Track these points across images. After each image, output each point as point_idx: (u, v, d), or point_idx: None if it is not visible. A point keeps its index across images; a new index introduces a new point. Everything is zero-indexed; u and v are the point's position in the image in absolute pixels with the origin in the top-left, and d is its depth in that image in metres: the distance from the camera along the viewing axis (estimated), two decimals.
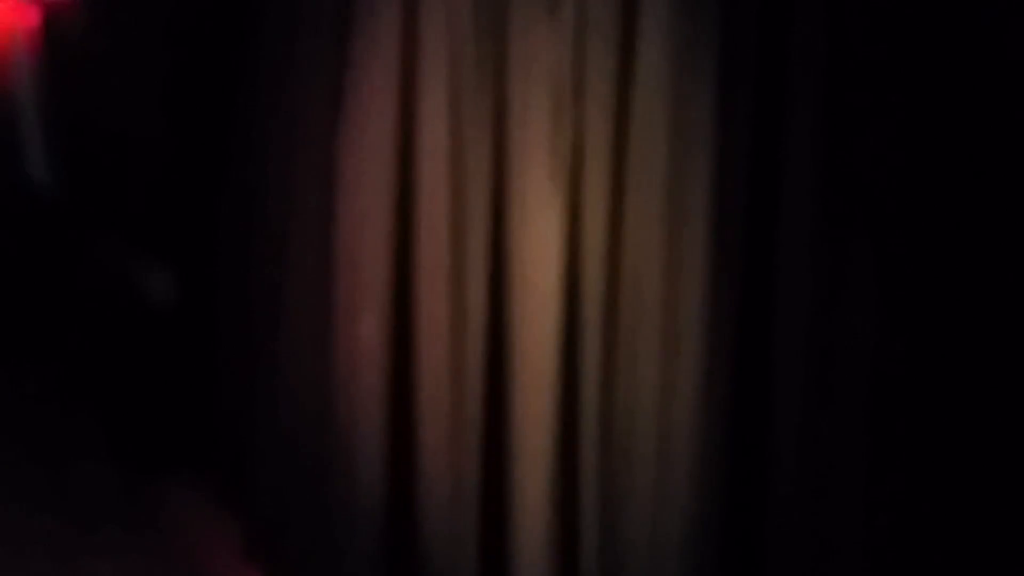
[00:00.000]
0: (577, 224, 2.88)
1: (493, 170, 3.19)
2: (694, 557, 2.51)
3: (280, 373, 4.39)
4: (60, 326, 6.84)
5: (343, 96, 3.96)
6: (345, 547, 3.94)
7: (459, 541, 3.48)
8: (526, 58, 3.06)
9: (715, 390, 2.44)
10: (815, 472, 2.25)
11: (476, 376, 3.34)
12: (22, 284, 7.17)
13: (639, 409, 2.69)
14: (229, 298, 4.99)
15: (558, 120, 2.92)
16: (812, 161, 2.23)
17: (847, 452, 2.20)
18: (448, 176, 3.44)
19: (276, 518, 4.35)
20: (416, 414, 3.64)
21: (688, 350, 2.51)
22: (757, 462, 2.39)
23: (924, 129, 2.08)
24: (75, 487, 5.26)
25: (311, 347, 4.14)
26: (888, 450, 2.15)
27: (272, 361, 4.45)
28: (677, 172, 2.54)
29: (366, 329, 3.80)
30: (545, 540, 2.97)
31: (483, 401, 3.27)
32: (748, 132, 2.36)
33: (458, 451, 3.48)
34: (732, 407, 2.42)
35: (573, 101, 2.87)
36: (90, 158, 6.06)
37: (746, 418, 2.40)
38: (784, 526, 2.32)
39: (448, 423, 3.53)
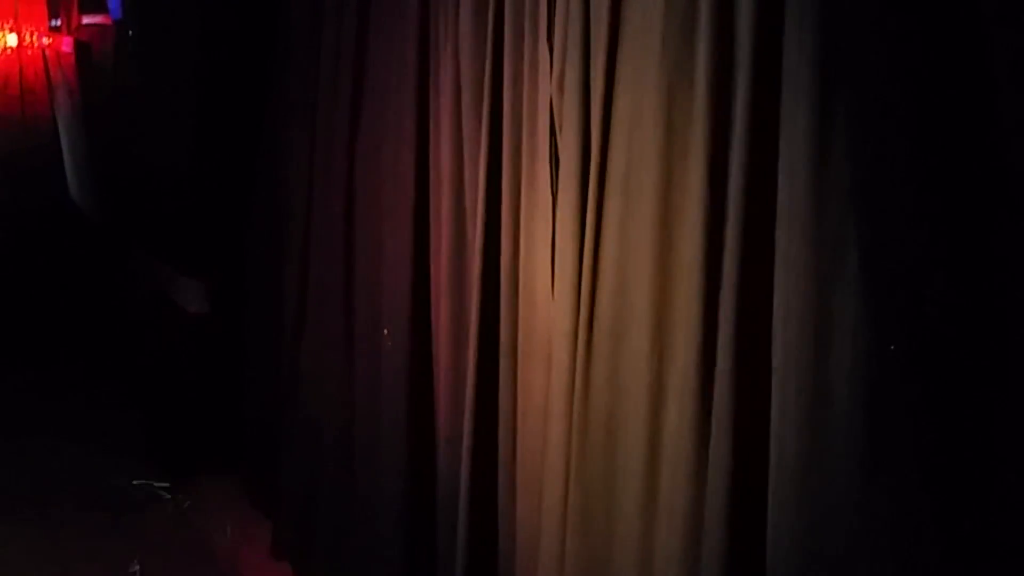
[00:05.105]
0: (571, 229, 2.83)
1: (487, 179, 3.19)
2: (693, 566, 2.41)
3: (304, 379, 4.50)
4: (102, 336, 7.01)
5: (360, 120, 4.09)
6: (369, 544, 3.97)
7: (478, 538, 3.40)
8: (518, 70, 3.07)
9: (709, 393, 2.36)
10: (815, 475, 2.14)
11: (473, 377, 3.29)
12: (67, 299, 7.37)
13: (627, 408, 2.61)
14: (256, 309, 5.12)
15: (553, 126, 2.89)
16: (807, 160, 2.14)
17: (848, 454, 2.10)
18: (452, 188, 3.48)
19: (303, 516, 4.45)
20: (437, 414, 3.66)
21: (680, 353, 2.43)
22: (757, 466, 2.27)
23: (924, 126, 2.02)
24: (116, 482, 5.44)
25: (334, 354, 4.23)
26: (891, 452, 2.05)
27: (296, 367, 4.57)
28: (669, 173, 2.48)
29: (388, 336, 3.81)
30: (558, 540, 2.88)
31: (492, 403, 3.23)
32: (742, 131, 2.29)
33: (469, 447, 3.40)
34: (731, 412, 2.30)
35: (567, 107, 2.83)
36: (130, 184, 6.24)
37: (745, 422, 2.29)
38: (784, 529, 2.21)
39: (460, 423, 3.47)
